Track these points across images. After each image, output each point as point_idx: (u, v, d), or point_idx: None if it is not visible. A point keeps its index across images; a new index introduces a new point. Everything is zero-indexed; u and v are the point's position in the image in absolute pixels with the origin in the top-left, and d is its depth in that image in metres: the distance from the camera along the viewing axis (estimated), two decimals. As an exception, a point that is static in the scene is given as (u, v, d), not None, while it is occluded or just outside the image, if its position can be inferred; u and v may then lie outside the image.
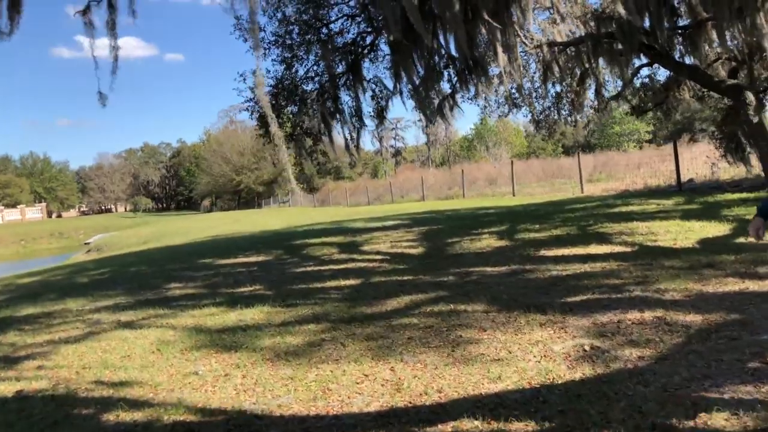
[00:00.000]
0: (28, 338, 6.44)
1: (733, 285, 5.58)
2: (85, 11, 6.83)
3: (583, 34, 12.67)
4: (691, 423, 3.04)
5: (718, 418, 3.08)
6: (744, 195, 11.98)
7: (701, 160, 18.11)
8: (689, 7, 11.46)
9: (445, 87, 13.06)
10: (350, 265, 9.31)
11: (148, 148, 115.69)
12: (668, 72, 14.36)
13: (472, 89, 12.85)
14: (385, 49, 13.40)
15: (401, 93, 12.59)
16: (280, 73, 13.74)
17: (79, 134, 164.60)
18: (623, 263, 7.04)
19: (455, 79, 12.78)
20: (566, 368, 4.01)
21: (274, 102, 12.38)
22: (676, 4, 11.64)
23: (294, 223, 21.72)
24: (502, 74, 12.21)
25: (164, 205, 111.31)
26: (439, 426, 3.35)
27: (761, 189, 12.77)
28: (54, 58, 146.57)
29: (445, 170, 48.23)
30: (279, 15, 13.39)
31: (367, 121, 13.80)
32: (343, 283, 7.79)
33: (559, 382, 3.79)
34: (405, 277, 7.77)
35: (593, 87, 14.61)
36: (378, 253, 10.42)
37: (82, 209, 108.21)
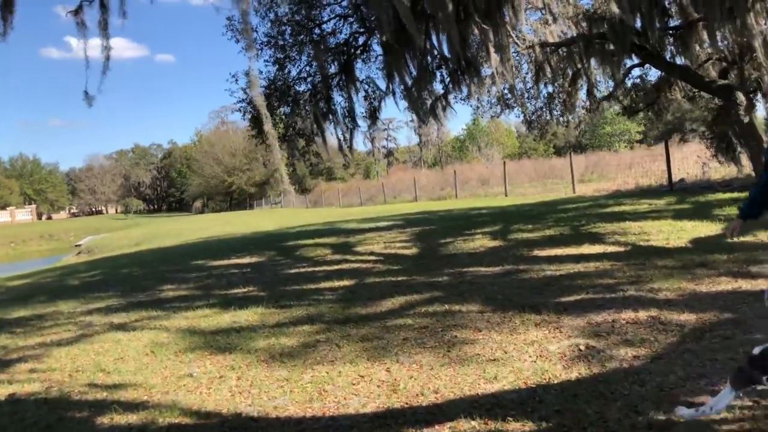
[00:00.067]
0: (20, 341, 6.39)
1: (726, 284, 5.61)
2: (77, 11, 6.79)
3: (575, 34, 12.72)
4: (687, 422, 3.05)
5: (716, 416, 3.09)
6: (735, 194, 12.03)
7: (692, 159, 18.20)
8: (680, 8, 11.52)
9: (438, 88, 13.09)
10: (344, 266, 9.30)
11: (138, 149, 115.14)
12: (660, 72, 14.44)
13: (465, 90, 12.90)
14: (377, 49, 13.39)
15: (394, 93, 12.60)
16: (272, 74, 13.72)
17: (69, 136, 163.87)
18: (616, 263, 7.06)
19: (448, 79, 12.81)
20: (562, 368, 4.01)
21: (266, 103, 12.34)
22: (667, 5, 11.69)
23: (286, 224, 21.68)
24: (494, 75, 12.22)
25: (155, 206, 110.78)
26: (436, 427, 3.34)
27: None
28: (43, 58, 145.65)
29: (438, 171, 48.29)
30: (271, 15, 13.38)
31: (360, 121, 13.80)
32: (337, 284, 7.78)
33: (555, 381, 3.79)
34: (399, 278, 7.76)
35: (585, 87, 14.68)
36: (372, 253, 10.41)
37: (72, 211, 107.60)
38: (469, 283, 6.92)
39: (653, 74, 15.24)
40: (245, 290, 8.06)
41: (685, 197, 13.17)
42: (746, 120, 12.07)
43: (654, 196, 14.63)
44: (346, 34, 13.50)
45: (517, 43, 12.96)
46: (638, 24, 11.10)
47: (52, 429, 3.89)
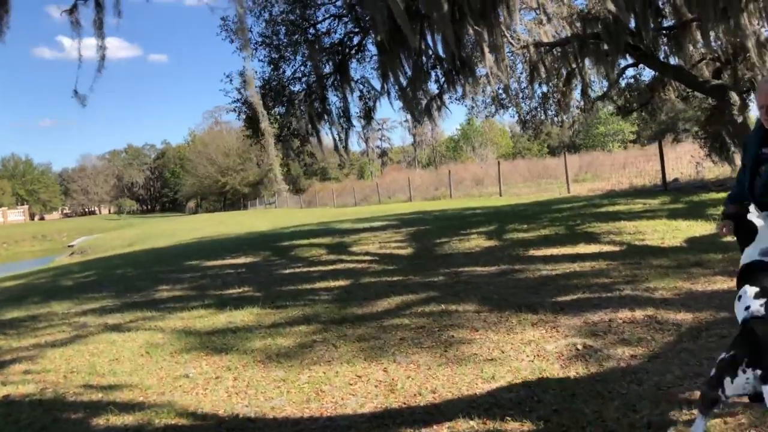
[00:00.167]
0: (14, 342, 6.34)
1: (721, 283, 5.62)
2: (72, 10, 6.75)
3: (569, 34, 12.74)
4: (686, 420, 3.04)
5: (712, 416, 3.09)
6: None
7: (686, 159, 18.27)
8: (674, 8, 11.56)
9: (433, 88, 13.10)
10: (339, 266, 9.28)
11: (132, 149, 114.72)
12: (653, 72, 14.49)
13: (460, 90, 12.92)
14: (372, 49, 13.42)
15: (389, 93, 12.61)
16: (267, 74, 13.72)
17: (61, 136, 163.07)
18: (612, 262, 7.07)
19: (443, 79, 12.82)
20: (559, 367, 4.01)
21: (261, 102, 12.31)
22: (661, 5, 11.74)
23: (280, 225, 21.63)
24: (489, 75, 12.24)
25: (149, 207, 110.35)
26: (434, 427, 3.33)
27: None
28: (35, 58, 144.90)
29: (432, 171, 48.28)
30: (266, 15, 13.38)
31: (355, 121, 13.81)
32: (332, 284, 7.76)
33: (553, 381, 3.79)
34: (395, 278, 7.75)
35: (579, 87, 14.72)
36: (367, 254, 10.40)
37: (65, 211, 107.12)
38: (465, 283, 6.92)
39: (647, 74, 15.32)
40: (240, 290, 8.03)
41: (680, 197, 13.22)
42: (740, 120, 12.13)
43: (648, 195, 14.67)
44: (340, 34, 13.52)
45: (511, 43, 12.99)
46: (632, 24, 11.15)
47: (47, 430, 3.86)
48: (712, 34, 10.96)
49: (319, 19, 13.52)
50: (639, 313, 4.93)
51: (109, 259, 17.24)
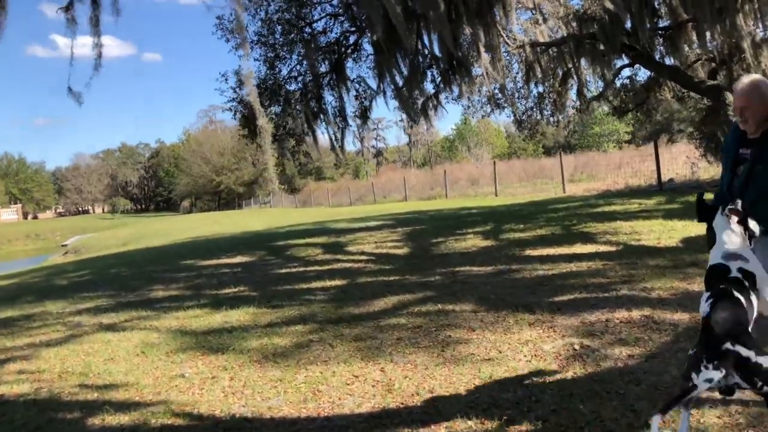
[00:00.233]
0: (8, 341, 6.30)
1: (718, 283, 5.61)
2: (68, 8, 6.71)
3: (565, 34, 12.75)
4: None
5: (711, 416, 3.09)
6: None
7: (681, 160, 18.33)
8: (670, 8, 11.58)
9: (429, 87, 13.09)
10: (335, 266, 9.26)
11: (126, 148, 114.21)
12: (649, 73, 14.51)
13: (456, 89, 12.89)
14: (368, 48, 13.40)
15: (385, 93, 12.58)
16: (263, 73, 13.69)
17: (55, 135, 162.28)
18: (609, 262, 7.07)
19: (439, 79, 12.81)
20: (557, 367, 4.00)
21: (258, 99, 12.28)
22: (657, 5, 11.76)
23: (276, 224, 21.59)
24: (485, 74, 12.24)
25: (143, 206, 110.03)
26: (432, 427, 3.32)
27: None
28: (28, 56, 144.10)
29: (427, 171, 48.28)
30: (261, 14, 13.34)
31: (350, 121, 13.79)
32: (328, 283, 7.74)
33: (551, 381, 3.78)
34: (391, 278, 7.74)
35: (575, 87, 14.73)
36: (363, 253, 10.38)
37: (58, 210, 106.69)
38: (461, 283, 6.91)
39: (643, 75, 15.34)
40: (236, 290, 8.01)
41: (675, 197, 13.25)
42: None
43: (644, 195, 14.70)
44: (336, 33, 13.50)
45: (507, 43, 12.98)
46: (628, 24, 11.17)
47: (42, 430, 3.83)
48: (707, 34, 10.97)
49: (315, 18, 13.51)
50: (636, 313, 4.93)
51: (103, 259, 17.16)
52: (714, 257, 2.97)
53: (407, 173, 44.37)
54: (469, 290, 6.44)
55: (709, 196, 3.37)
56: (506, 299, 5.85)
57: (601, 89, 15.05)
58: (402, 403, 3.69)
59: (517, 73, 15.22)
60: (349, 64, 13.74)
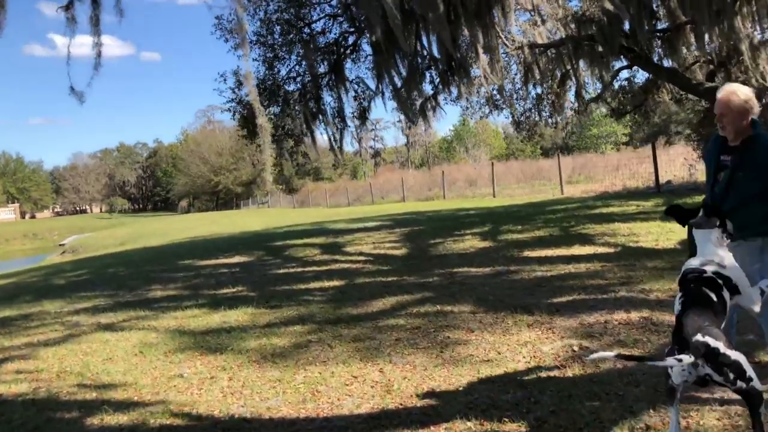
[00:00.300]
0: (5, 341, 6.30)
1: (716, 285, 5.62)
2: (68, 7, 6.69)
3: (563, 36, 12.75)
4: (683, 423, 3.05)
5: (710, 418, 3.10)
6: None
7: (678, 162, 18.35)
8: (668, 10, 11.58)
9: (427, 88, 13.08)
10: (333, 266, 9.26)
11: (123, 148, 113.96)
12: (647, 75, 14.52)
13: (454, 91, 12.88)
14: (367, 49, 13.37)
15: (383, 94, 12.57)
16: (262, 74, 13.65)
17: (53, 134, 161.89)
18: (607, 264, 7.08)
19: (437, 80, 12.80)
20: (556, 369, 4.01)
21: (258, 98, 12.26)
22: (655, 7, 11.76)
23: (274, 224, 21.56)
24: (483, 76, 12.23)
25: (141, 206, 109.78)
26: (432, 428, 3.32)
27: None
28: (26, 56, 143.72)
29: (425, 171, 48.26)
30: (260, 14, 13.32)
31: (349, 121, 13.77)
32: (327, 284, 7.74)
33: (550, 382, 3.79)
34: (389, 278, 7.74)
35: (573, 89, 14.71)
36: (361, 254, 10.38)
37: (56, 210, 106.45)
38: (460, 284, 6.91)
39: (641, 76, 15.34)
40: (234, 290, 8.00)
41: (673, 199, 13.26)
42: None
43: (641, 197, 14.72)
44: (335, 34, 13.48)
45: (506, 44, 12.98)
46: (627, 26, 11.18)
47: (40, 430, 3.83)
48: (706, 36, 10.98)
49: (314, 18, 13.48)
50: (634, 315, 4.94)
51: (101, 258, 17.14)
52: (689, 263, 3.08)
53: (405, 174, 44.39)
54: (467, 291, 6.44)
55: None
56: (505, 300, 5.85)
57: (599, 91, 15.04)
58: (401, 404, 3.69)
59: (516, 74, 15.23)
60: (348, 64, 13.74)
